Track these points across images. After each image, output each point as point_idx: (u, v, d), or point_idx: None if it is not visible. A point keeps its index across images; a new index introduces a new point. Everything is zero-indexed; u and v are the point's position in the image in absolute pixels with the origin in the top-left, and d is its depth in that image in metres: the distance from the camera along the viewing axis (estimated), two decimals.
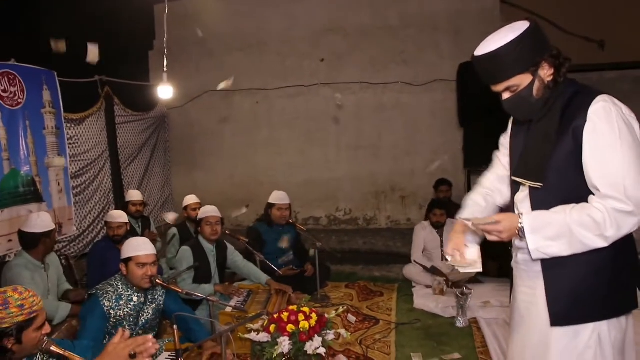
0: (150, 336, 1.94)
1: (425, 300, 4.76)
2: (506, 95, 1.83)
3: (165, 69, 4.88)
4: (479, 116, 6.49)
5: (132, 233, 4.68)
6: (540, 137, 1.82)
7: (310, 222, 8.09)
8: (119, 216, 4.54)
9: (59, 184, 5.49)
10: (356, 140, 8.04)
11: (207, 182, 8.19)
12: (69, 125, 5.78)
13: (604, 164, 1.67)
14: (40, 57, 5.30)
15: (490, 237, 1.83)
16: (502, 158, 2.13)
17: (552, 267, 1.79)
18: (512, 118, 2.05)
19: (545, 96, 1.79)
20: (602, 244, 1.67)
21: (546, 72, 1.77)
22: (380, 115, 7.91)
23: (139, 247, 3.09)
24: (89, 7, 5.95)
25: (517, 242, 1.91)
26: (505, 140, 2.11)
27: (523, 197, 1.91)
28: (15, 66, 4.93)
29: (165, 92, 5.21)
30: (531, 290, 1.88)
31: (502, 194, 2.13)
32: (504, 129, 7.45)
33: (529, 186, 1.86)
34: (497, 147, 7.14)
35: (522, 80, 1.76)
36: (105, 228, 6.34)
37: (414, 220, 7.88)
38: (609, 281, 1.76)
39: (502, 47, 1.71)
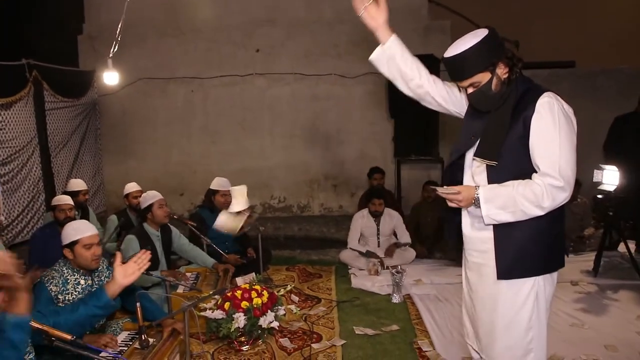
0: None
1: (362, 280, 5.07)
2: (470, 90, 2.15)
3: (111, 55, 4.80)
4: (408, 109, 6.89)
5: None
6: (497, 124, 2.16)
7: None
8: (67, 199, 4.53)
9: None
10: (290, 130, 8.23)
11: (140, 170, 8.06)
12: None
13: (545, 148, 2.04)
14: None
15: (450, 204, 2.16)
16: (451, 86, 2.35)
17: (501, 232, 2.15)
18: None
19: (502, 90, 2.13)
20: (539, 212, 2.05)
21: (502, 71, 2.11)
22: (313, 106, 8.14)
23: (82, 229, 3.04)
24: None
25: (472, 211, 2.23)
26: (461, 94, 2.32)
27: (480, 171, 2.21)
28: None
29: (110, 78, 5.13)
30: (482, 254, 2.23)
31: (422, 80, 2.33)
32: (432, 122, 7.94)
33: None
34: (425, 138, 7.59)
35: (483, 77, 2.10)
36: (37, 216, 6.21)
37: (346, 207, 8.23)
38: (545, 244, 2.14)
39: (466, 50, 2.05)
